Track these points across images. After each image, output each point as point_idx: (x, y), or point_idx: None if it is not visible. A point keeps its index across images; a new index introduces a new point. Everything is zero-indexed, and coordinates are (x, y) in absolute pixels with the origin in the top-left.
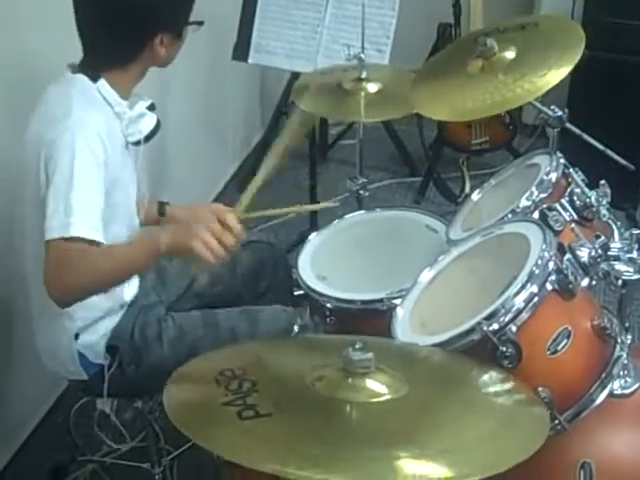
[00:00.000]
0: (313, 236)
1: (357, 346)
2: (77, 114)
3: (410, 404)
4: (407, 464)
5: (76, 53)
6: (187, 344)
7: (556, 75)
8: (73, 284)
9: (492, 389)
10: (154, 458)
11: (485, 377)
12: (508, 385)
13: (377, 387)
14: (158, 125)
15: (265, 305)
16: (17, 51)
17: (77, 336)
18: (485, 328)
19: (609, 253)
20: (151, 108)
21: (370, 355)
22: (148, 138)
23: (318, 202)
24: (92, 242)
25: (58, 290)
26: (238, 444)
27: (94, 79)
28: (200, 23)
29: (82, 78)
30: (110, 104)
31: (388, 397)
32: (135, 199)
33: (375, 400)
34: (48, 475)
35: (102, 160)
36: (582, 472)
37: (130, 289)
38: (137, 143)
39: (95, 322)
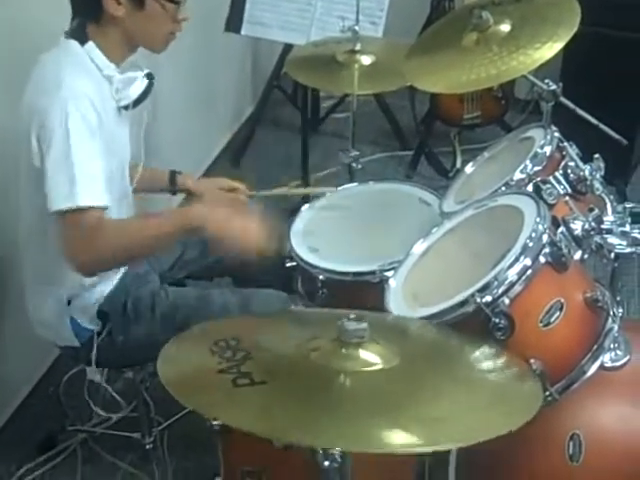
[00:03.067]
0: (305, 208)
1: (352, 316)
2: (68, 82)
3: (402, 375)
4: (398, 432)
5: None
6: (179, 320)
7: (551, 48)
8: (103, 255)
9: (484, 365)
10: (145, 428)
11: (477, 353)
12: (501, 361)
13: (370, 357)
14: (148, 89)
15: (257, 277)
16: (14, 19)
17: (69, 302)
18: (478, 300)
19: (602, 226)
20: (149, 77)
21: (365, 325)
22: (137, 102)
23: (308, 183)
24: (101, 209)
25: (85, 262)
26: (233, 410)
27: (82, 42)
28: (174, 1)
29: (72, 43)
30: (99, 67)
31: (380, 367)
32: (127, 167)
33: (368, 369)
34: (38, 444)
35: (95, 124)
36: (571, 443)
37: None
38: (127, 107)
39: (88, 288)
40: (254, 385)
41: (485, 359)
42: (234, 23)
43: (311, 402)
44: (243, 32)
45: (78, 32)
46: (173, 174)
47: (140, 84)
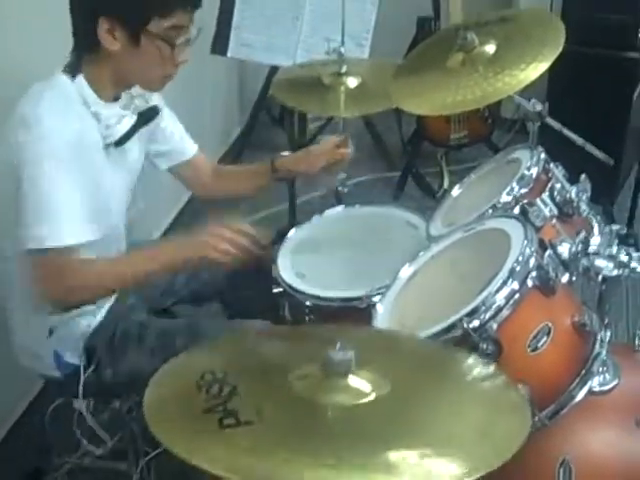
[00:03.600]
0: (292, 233)
1: (338, 346)
2: (45, 123)
3: (394, 401)
4: (396, 464)
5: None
6: (167, 352)
7: (536, 68)
8: (82, 297)
9: (476, 373)
10: (132, 459)
11: (469, 360)
12: (490, 369)
13: (360, 385)
14: (136, 127)
15: (243, 303)
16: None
17: (51, 332)
18: (466, 325)
19: (589, 249)
20: (152, 110)
21: (350, 355)
22: (122, 141)
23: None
24: (79, 247)
25: (57, 304)
26: (219, 455)
27: (73, 76)
28: (170, 43)
29: (62, 78)
30: (87, 103)
31: (371, 396)
32: (124, 201)
33: (358, 401)
34: (25, 476)
35: (71, 159)
36: (561, 469)
37: None
38: (114, 145)
39: (71, 319)
40: (240, 426)
41: (476, 366)
42: (220, 45)
43: (299, 440)
44: (229, 54)
45: (72, 65)
46: (272, 162)
47: (129, 120)
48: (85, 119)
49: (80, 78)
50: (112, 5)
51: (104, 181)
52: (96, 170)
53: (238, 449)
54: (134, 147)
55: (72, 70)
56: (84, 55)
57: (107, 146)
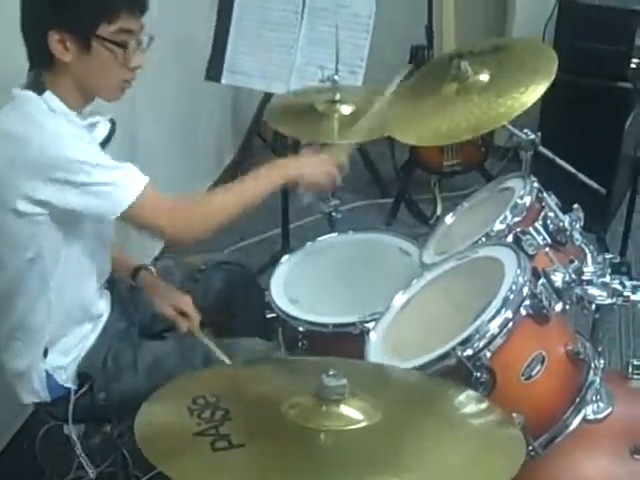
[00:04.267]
0: (285, 258)
1: (331, 373)
2: (48, 125)
3: (386, 429)
4: None
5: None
6: (162, 374)
7: (530, 97)
8: (201, 233)
9: (468, 409)
10: None
11: (461, 397)
12: (484, 405)
13: (352, 413)
14: (110, 135)
15: (237, 328)
16: None
17: (46, 353)
18: (459, 354)
19: (582, 277)
20: (111, 122)
21: (344, 382)
22: (102, 145)
23: (288, 231)
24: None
25: (188, 241)
26: (211, 477)
27: (40, 91)
28: (119, 45)
29: (29, 94)
30: (63, 114)
31: (363, 424)
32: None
33: (350, 427)
34: None
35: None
36: None
37: (101, 302)
38: None
39: (64, 336)
40: (232, 448)
41: (469, 403)
42: (214, 71)
43: (292, 465)
44: (223, 81)
45: (34, 83)
46: (138, 269)
47: (103, 128)
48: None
49: (48, 93)
50: (59, 16)
51: None
52: None
53: (231, 471)
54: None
55: (36, 88)
56: (43, 72)
57: None
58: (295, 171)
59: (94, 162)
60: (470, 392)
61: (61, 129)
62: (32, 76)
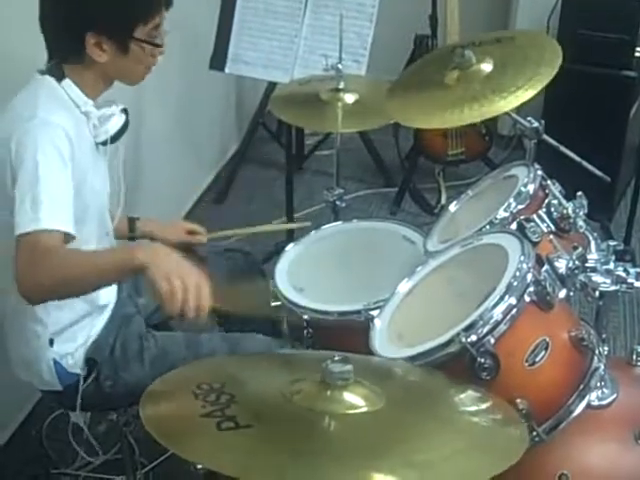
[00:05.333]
0: (290, 247)
1: (337, 358)
2: (42, 114)
3: (387, 418)
4: (385, 476)
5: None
6: (168, 365)
7: (532, 88)
8: (43, 281)
9: (469, 408)
10: (129, 471)
11: (462, 396)
12: (485, 404)
13: (355, 400)
14: (126, 125)
15: (243, 317)
16: None
17: (52, 342)
18: (463, 340)
19: (586, 264)
20: (124, 112)
21: (349, 367)
22: (114, 138)
23: (293, 221)
24: (62, 234)
25: (27, 287)
26: (217, 454)
27: (59, 79)
28: (156, 44)
29: (48, 79)
30: (77, 104)
31: (365, 410)
32: (107, 202)
33: (352, 412)
34: None
35: (67, 155)
36: None
37: (105, 292)
38: (104, 143)
39: (70, 326)
40: (239, 429)
41: (470, 402)
42: (218, 61)
43: (296, 446)
44: (227, 70)
45: (54, 70)
46: (132, 221)
47: (118, 120)
48: (78, 117)
49: (67, 81)
50: (98, 22)
51: (95, 180)
52: (89, 169)
53: (237, 449)
54: (117, 149)
55: (56, 74)
56: (68, 64)
57: (97, 145)
58: (144, 260)
59: (42, 174)
60: (472, 391)
61: (47, 126)
62: (53, 64)
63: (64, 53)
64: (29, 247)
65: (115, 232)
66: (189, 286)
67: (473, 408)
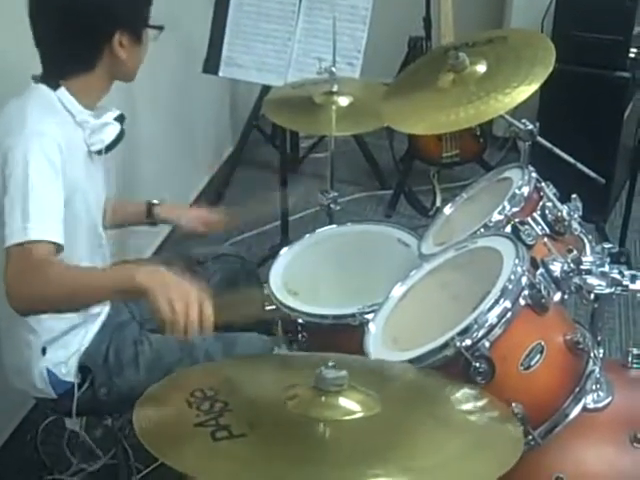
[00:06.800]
0: (284, 251)
1: (330, 364)
2: (32, 124)
3: (384, 422)
4: None
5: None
6: (163, 369)
7: (528, 88)
8: (33, 294)
9: (465, 406)
10: (124, 476)
11: (458, 394)
12: (482, 402)
13: (350, 405)
14: (121, 134)
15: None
16: None
17: (44, 351)
18: (458, 344)
19: (581, 267)
20: (120, 118)
21: (344, 373)
22: (109, 148)
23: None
24: (53, 245)
25: (16, 299)
26: (212, 466)
27: (54, 87)
28: (160, 27)
29: (43, 87)
30: (71, 113)
31: (361, 415)
32: (100, 213)
33: (348, 418)
34: None
35: (59, 166)
36: None
37: None
38: (99, 152)
39: (63, 335)
40: (233, 438)
41: (466, 400)
42: (212, 64)
43: (292, 454)
44: (221, 74)
45: (49, 77)
46: (150, 206)
47: (113, 129)
48: (71, 126)
49: (62, 90)
50: (125, 17)
51: (88, 189)
52: (81, 178)
53: (231, 459)
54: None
55: (51, 83)
56: (73, 70)
57: (90, 154)
58: (144, 283)
59: (32, 184)
60: (468, 389)
61: (38, 136)
62: (46, 72)
63: (78, 60)
64: (20, 258)
65: (132, 217)
66: (191, 308)
67: (470, 406)
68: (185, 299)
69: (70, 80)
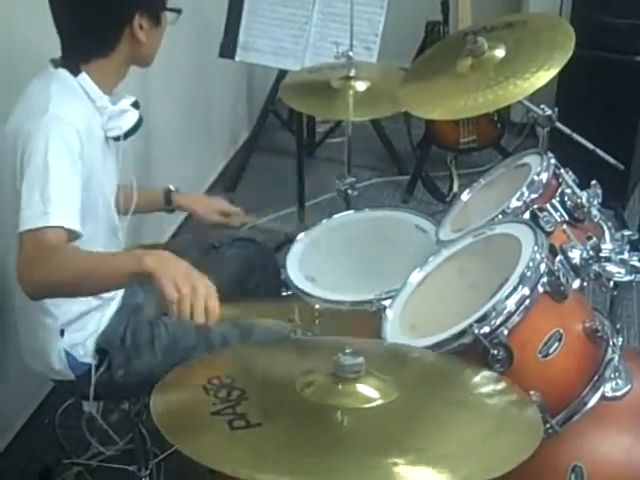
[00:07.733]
0: (301, 236)
1: (347, 351)
2: (53, 109)
3: (401, 409)
4: (402, 471)
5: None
6: (179, 352)
7: (546, 73)
8: (47, 279)
9: (485, 390)
10: (141, 461)
11: (477, 378)
12: (500, 385)
13: (368, 392)
14: (140, 122)
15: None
16: (3, 43)
17: (62, 333)
18: (476, 331)
19: (600, 254)
20: (135, 105)
21: (361, 360)
22: (128, 134)
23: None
24: (70, 232)
25: (30, 284)
26: (229, 455)
27: (75, 73)
28: (178, 10)
29: (63, 72)
30: (91, 98)
31: (379, 402)
32: (113, 196)
33: (366, 405)
34: (34, 478)
35: (77, 152)
36: (573, 475)
37: None
38: (117, 139)
39: (80, 317)
40: (250, 427)
41: (486, 383)
42: (228, 49)
43: (309, 443)
44: (237, 58)
45: (70, 62)
46: (168, 193)
47: (132, 116)
48: (90, 112)
49: (83, 75)
50: (140, 2)
51: (103, 175)
52: (97, 164)
53: (248, 448)
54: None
55: (72, 67)
56: (94, 54)
57: (107, 140)
58: (152, 267)
59: (51, 170)
60: (487, 372)
61: (58, 122)
62: (67, 57)
63: (98, 43)
64: (34, 243)
65: (150, 204)
66: (198, 293)
67: (489, 389)
68: (190, 282)
69: (90, 64)
